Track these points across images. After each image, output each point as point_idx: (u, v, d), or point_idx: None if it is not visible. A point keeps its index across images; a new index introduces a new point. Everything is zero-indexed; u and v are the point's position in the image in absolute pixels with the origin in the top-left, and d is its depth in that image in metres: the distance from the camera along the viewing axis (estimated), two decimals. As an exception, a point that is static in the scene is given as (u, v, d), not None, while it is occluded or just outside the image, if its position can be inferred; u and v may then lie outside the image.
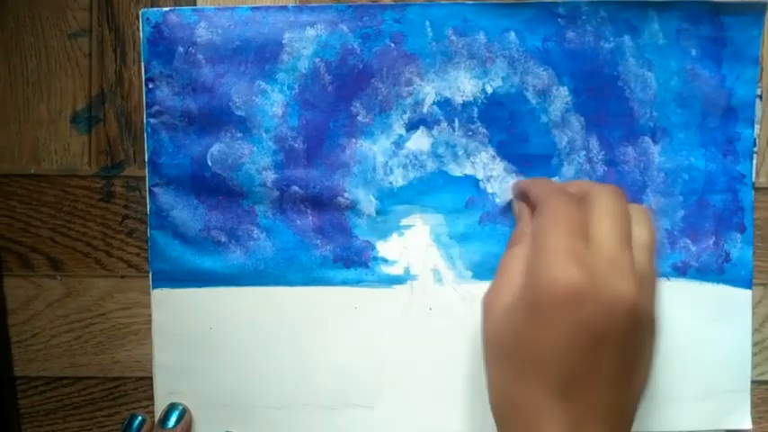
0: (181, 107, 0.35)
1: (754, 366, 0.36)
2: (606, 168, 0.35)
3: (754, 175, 0.36)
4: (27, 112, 0.36)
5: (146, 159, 0.35)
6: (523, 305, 0.27)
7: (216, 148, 0.35)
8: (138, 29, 0.35)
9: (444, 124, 0.35)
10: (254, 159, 0.35)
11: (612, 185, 0.30)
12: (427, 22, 0.35)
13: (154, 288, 0.35)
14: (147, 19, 0.34)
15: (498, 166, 0.35)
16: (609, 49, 0.35)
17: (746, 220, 0.36)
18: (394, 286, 0.36)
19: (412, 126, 0.35)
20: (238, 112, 0.35)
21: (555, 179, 0.35)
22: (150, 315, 0.36)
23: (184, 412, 0.35)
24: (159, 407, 0.36)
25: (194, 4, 0.35)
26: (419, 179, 0.35)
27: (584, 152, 0.35)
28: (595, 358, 0.26)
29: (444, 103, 0.35)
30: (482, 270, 0.35)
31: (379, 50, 0.35)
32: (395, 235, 0.35)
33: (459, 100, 0.35)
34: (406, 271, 0.36)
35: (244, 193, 0.35)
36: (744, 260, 0.36)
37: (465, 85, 0.35)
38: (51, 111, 0.36)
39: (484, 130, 0.35)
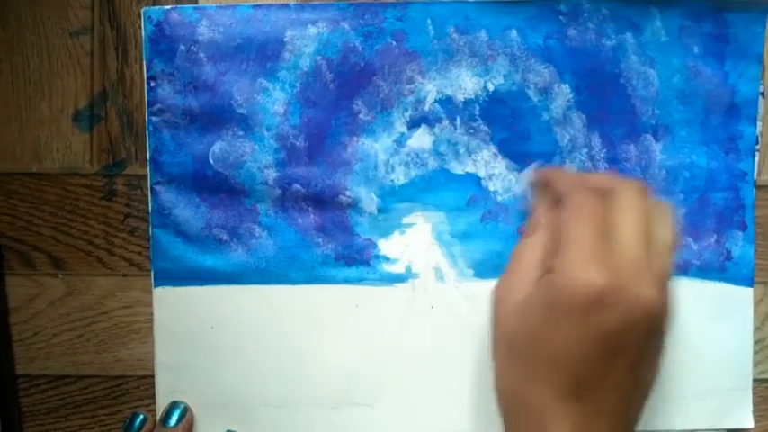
0: (182, 105, 0.35)
1: (755, 364, 0.36)
2: (608, 166, 0.35)
3: (755, 172, 0.36)
4: (29, 111, 0.36)
5: (147, 158, 0.35)
6: (539, 302, 0.27)
7: (217, 147, 0.35)
8: (139, 27, 0.35)
9: (446, 122, 0.35)
10: (255, 157, 0.35)
11: (637, 181, 0.29)
12: (429, 20, 0.35)
13: (155, 286, 0.35)
14: (149, 17, 0.34)
15: (500, 164, 0.35)
16: (611, 46, 0.35)
17: (748, 218, 0.36)
18: (395, 284, 0.35)
19: (413, 124, 0.35)
20: (240, 111, 0.35)
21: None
22: (152, 313, 0.36)
23: (186, 411, 0.35)
24: (161, 405, 0.36)
25: (196, 3, 0.35)
26: (421, 177, 0.35)
27: (585, 150, 0.35)
28: (610, 362, 0.26)
29: (446, 101, 0.35)
30: (484, 268, 0.35)
31: (380, 48, 0.35)
32: (396, 233, 0.35)
33: (460, 98, 0.35)
34: (408, 269, 0.35)
35: (245, 192, 0.35)
36: (745, 258, 0.36)
37: (466, 83, 0.35)
38: (53, 109, 0.36)
39: (485, 128, 0.35)
